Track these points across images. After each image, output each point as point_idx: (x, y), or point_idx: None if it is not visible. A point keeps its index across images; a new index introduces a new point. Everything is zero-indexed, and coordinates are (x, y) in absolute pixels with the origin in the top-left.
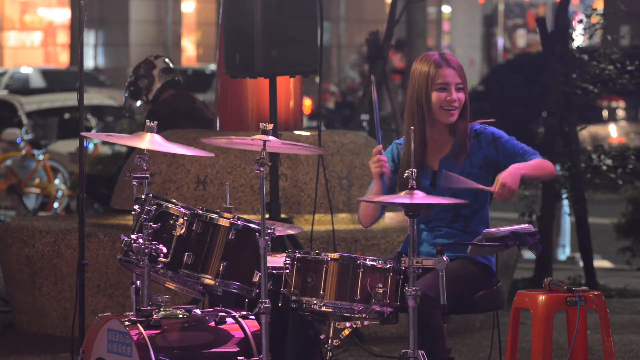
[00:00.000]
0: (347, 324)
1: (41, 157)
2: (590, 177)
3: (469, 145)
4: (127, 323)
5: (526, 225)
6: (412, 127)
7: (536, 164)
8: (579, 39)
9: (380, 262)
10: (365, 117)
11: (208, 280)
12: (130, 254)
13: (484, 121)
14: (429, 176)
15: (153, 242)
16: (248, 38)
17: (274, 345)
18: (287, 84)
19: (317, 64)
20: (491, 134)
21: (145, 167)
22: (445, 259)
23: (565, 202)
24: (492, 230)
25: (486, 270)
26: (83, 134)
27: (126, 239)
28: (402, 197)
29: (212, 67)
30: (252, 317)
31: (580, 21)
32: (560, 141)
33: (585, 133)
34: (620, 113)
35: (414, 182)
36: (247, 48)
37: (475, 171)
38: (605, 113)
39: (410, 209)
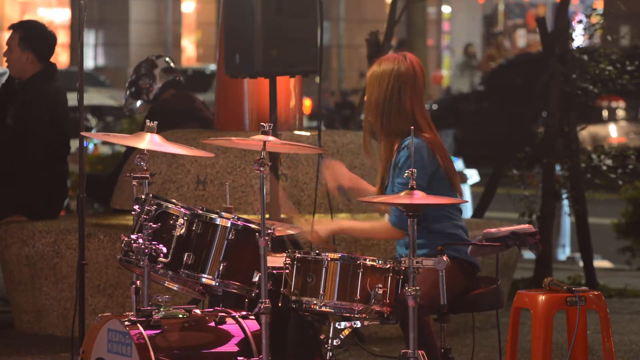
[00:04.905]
0: (347, 324)
1: None
2: (590, 177)
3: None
4: (127, 323)
5: (526, 226)
6: (412, 127)
7: (368, 229)
8: (579, 39)
9: (380, 262)
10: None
11: (208, 280)
12: (130, 254)
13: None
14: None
15: (153, 242)
16: (248, 38)
17: (274, 345)
18: (287, 84)
19: (317, 64)
20: (398, 159)
21: (145, 167)
22: (445, 259)
23: (565, 202)
24: (492, 230)
25: (461, 264)
26: (83, 133)
27: (126, 239)
28: (402, 198)
29: (212, 67)
30: (252, 317)
31: (580, 21)
32: (560, 141)
33: (585, 133)
34: (620, 113)
35: (414, 182)
36: (247, 48)
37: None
38: (605, 113)
39: (410, 209)
